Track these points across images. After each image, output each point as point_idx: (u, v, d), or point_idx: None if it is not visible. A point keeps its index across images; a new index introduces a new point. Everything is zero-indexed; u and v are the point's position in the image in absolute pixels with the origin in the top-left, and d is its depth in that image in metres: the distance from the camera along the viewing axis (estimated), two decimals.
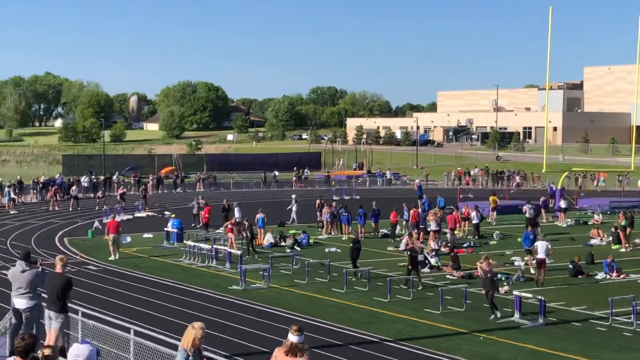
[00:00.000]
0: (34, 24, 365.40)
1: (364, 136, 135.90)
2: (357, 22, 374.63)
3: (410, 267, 28.52)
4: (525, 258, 32.86)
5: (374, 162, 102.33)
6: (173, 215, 42.41)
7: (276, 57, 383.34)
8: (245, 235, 36.07)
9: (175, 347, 13.50)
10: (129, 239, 38.92)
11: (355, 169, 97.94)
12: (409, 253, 29.26)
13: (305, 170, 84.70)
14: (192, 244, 34.98)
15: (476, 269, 26.50)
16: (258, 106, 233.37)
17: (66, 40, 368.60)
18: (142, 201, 54.83)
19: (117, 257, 34.11)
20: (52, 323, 14.91)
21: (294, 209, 47.46)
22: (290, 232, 40.94)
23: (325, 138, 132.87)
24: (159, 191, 69.73)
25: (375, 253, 36.47)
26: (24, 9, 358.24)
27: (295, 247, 37.13)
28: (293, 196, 49.52)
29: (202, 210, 44.52)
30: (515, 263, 33.54)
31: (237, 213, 42.30)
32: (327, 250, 36.93)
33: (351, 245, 32.16)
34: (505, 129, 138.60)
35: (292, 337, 11.18)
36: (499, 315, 23.41)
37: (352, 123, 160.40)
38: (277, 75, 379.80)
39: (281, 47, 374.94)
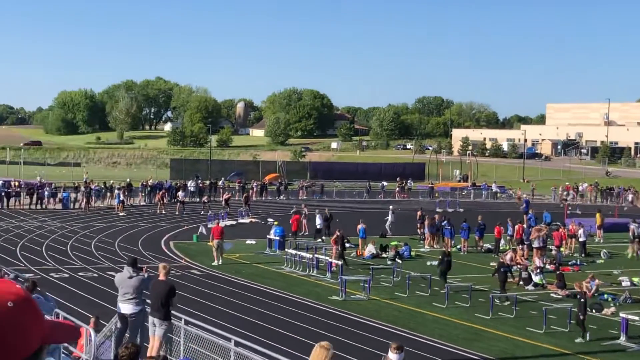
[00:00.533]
0: (147, 29, 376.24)
1: (470, 147, 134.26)
2: (465, 32, 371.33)
3: (500, 280, 28.36)
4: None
5: (479, 174, 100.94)
6: (276, 223, 42.73)
7: (382, 66, 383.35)
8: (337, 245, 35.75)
9: (274, 359, 13.53)
10: (231, 245, 39.37)
11: (459, 181, 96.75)
12: (498, 267, 28.82)
13: (409, 181, 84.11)
14: (294, 252, 35.13)
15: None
16: (363, 115, 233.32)
17: (177, 46, 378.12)
18: (245, 207, 55.43)
19: (220, 263, 34.56)
20: (155, 330, 15.14)
21: (389, 219, 47.18)
22: (392, 243, 40.66)
23: (430, 148, 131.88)
24: (263, 198, 70.40)
25: (477, 268, 35.90)
26: (138, 15, 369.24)
27: (396, 259, 36.82)
28: (390, 207, 49.17)
29: (305, 219, 44.76)
30: (623, 283, 32.46)
31: (318, 220, 42.42)
32: (428, 263, 36.52)
33: (440, 257, 31.69)
34: (616, 143, 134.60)
35: (392, 356, 11.01)
36: (587, 338, 22.68)
37: (457, 134, 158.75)
38: (382, 84, 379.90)
39: (387, 57, 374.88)
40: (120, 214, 53.01)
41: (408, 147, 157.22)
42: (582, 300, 23.20)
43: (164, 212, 55.29)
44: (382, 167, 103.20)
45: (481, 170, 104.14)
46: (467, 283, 29.34)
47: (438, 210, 57.54)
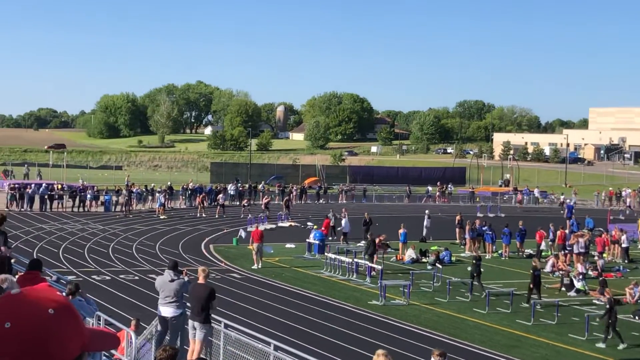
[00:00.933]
0: (188, 34, 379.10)
1: (511, 152, 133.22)
2: (507, 35, 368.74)
3: (532, 285, 27.96)
4: None
5: (521, 179, 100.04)
6: (315, 227, 42.70)
7: (423, 70, 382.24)
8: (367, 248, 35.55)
9: None
10: (271, 249, 39.42)
11: (500, 186, 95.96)
12: (532, 271, 28.51)
13: (449, 185, 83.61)
14: (333, 256, 35.07)
15: (624, 294, 25.37)
16: (403, 118, 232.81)
17: (218, 50, 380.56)
18: (285, 211, 55.47)
19: (259, 266, 34.63)
20: (196, 333, 15.19)
21: (425, 224, 46.91)
22: (432, 248, 40.40)
23: (471, 153, 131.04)
24: (302, 201, 70.45)
25: (519, 274, 35.52)
26: (179, 19, 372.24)
27: (436, 264, 36.57)
28: (427, 211, 48.87)
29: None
30: None
31: (343, 223, 42.47)
32: (469, 268, 36.18)
33: (473, 262, 31.35)
34: None
35: None
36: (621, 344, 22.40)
37: (499, 138, 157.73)
38: (423, 87, 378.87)
39: (428, 60, 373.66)
40: (161, 217, 53.34)
41: (448, 151, 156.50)
42: (609, 306, 22.96)
43: (204, 215, 55.52)
44: (422, 171, 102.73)
45: (523, 175, 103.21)
46: (508, 289, 29.04)
47: (479, 215, 57.12)
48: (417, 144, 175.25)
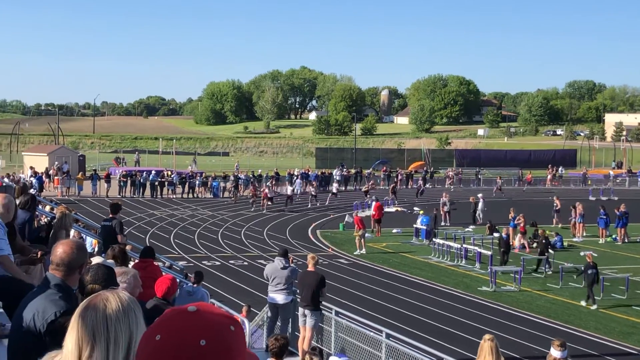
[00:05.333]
0: (292, 19, 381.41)
1: (624, 133, 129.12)
2: (617, 11, 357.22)
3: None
4: None
5: (634, 160, 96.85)
6: (422, 212, 42.31)
7: (531, 50, 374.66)
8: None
9: (427, 352, 13.28)
10: (370, 235, 39.13)
11: (614, 168, 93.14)
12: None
13: (560, 168, 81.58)
14: (441, 241, 34.66)
15: None
16: (510, 100, 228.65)
17: (322, 35, 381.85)
18: (392, 196, 55.11)
19: (363, 252, 34.50)
20: (306, 320, 15.19)
21: (479, 207, 46.00)
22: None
23: (582, 134, 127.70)
24: (408, 187, 69.95)
25: (634, 259, 34.39)
26: (283, 5, 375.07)
27: (548, 249, 35.59)
28: (479, 195, 47.80)
29: (451, 208, 44.15)
30: None
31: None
32: (582, 253, 35.19)
33: (583, 268, 28.96)
34: None
35: (555, 353, 10.56)
36: None
37: (610, 119, 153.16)
38: (531, 68, 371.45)
39: (535, 40, 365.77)
40: (268, 204, 53.68)
41: (558, 133, 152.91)
42: None
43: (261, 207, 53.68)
44: (532, 154, 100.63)
45: (636, 157, 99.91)
46: (623, 275, 28.07)
47: (591, 198, 55.54)
48: (526, 125, 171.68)
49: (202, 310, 2.07)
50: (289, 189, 55.56)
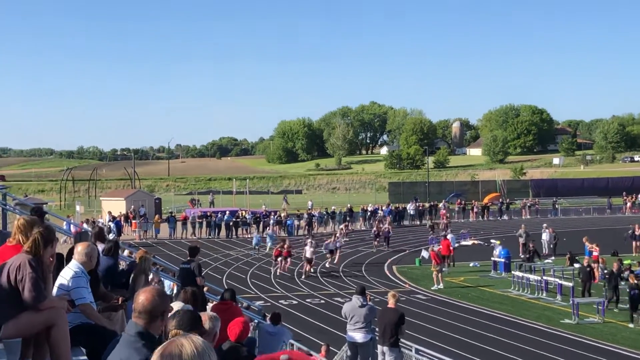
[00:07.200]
0: (360, 56, 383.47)
1: None
2: None
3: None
4: None
5: None
6: (498, 242, 41.71)
7: (604, 76, 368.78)
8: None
9: None
10: (447, 270, 38.69)
11: None
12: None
13: (639, 195, 79.62)
14: (521, 274, 34.04)
15: None
16: (585, 128, 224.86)
17: (390, 70, 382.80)
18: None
19: (441, 286, 34.08)
20: (385, 357, 15.03)
21: (545, 238, 45.08)
22: (626, 262, 38.38)
23: None
24: (484, 218, 69.14)
25: None
26: (349, 42, 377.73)
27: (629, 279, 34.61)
28: (544, 225, 47.10)
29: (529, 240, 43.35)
30: None
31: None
32: (625, 274, 34.12)
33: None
34: None
35: None
36: None
37: None
38: (605, 94, 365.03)
39: (609, 65, 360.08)
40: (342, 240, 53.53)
41: (636, 159, 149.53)
42: None
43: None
44: (609, 181, 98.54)
45: None
46: None
47: None
48: (602, 153, 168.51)
49: (295, 358, 2.03)
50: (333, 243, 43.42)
